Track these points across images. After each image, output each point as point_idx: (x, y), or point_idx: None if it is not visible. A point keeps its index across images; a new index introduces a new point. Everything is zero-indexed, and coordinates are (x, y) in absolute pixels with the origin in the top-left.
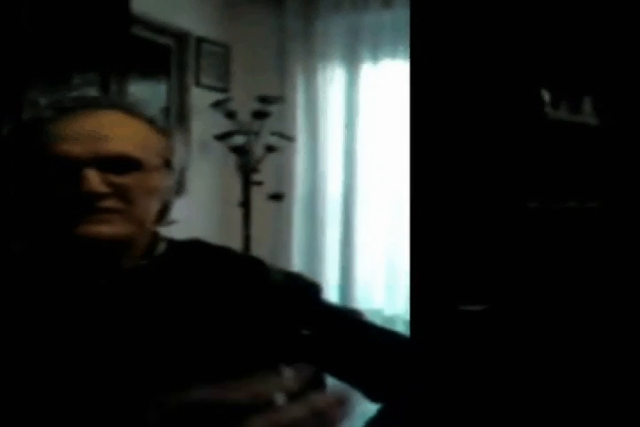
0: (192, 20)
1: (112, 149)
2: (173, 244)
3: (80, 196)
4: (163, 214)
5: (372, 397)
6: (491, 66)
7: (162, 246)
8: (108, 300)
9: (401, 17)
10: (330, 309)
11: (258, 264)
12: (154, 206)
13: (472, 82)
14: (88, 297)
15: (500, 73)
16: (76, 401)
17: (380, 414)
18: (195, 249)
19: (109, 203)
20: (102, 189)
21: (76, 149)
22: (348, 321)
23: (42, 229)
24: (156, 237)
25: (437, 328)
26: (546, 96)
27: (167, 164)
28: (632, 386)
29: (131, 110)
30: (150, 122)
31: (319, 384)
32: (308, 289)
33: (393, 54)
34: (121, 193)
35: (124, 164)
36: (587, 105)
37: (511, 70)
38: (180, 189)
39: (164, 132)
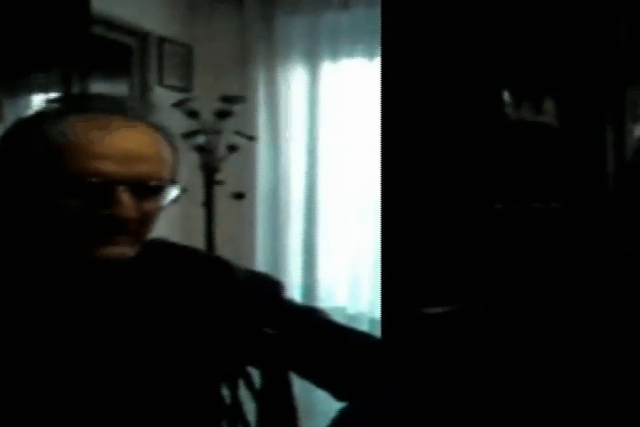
0: (153, 20)
1: (144, 171)
2: (143, 245)
3: (108, 218)
4: None
5: (338, 395)
6: (452, 67)
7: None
8: (85, 301)
9: (359, 17)
10: (294, 307)
11: (221, 263)
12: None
13: (434, 83)
14: (63, 299)
15: (461, 74)
16: (57, 398)
17: (345, 412)
18: (158, 249)
19: (133, 226)
20: (134, 214)
21: (109, 167)
22: (312, 320)
23: (41, 244)
24: None
25: (404, 329)
26: (507, 97)
27: (172, 180)
28: (601, 387)
29: (154, 124)
30: (167, 137)
31: (285, 384)
32: (272, 288)
33: (352, 53)
34: (144, 218)
35: (152, 187)
36: (548, 105)
37: (472, 71)
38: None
39: (175, 147)
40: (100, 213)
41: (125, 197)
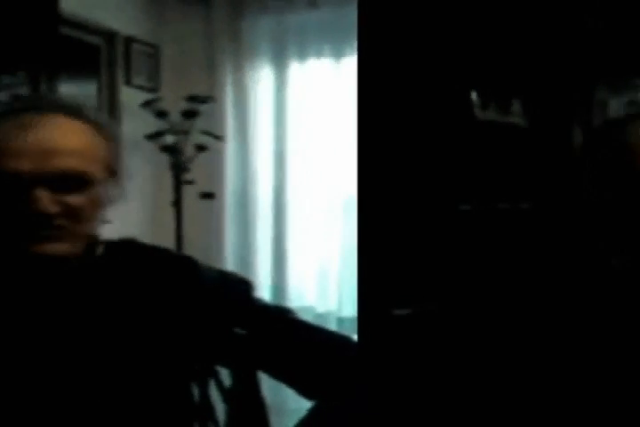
0: (121, 20)
1: (62, 166)
2: (106, 244)
3: (31, 215)
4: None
5: (307, 394)
6: (422, 69)
7: (101, 249)
8: (49, 303)
9: (326, 17)
10: (263, 307)
11: (190, 263)
12: (100, 218)
13: (404, 85)
14: (30, 300)
15: (430, 76)
16: (19, 402)
17: (314, 411)
18: (128, 249)
19: (60, 221)
20: (53, 209)
21: (24, 165)
22: (281, 319)
23: None
24: (94, 239)
25: (375, 329)
26: (475, 98)
27: (111, 171)
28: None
29: (75, 114)
30: (96, 126)
31: (255, 383)
32: (241, 287)
33: (319, 53)
34: (71, 213)
35: (73, 180)
36: (516, 106)
37: (441, 73)
38: (122, 194)
39: (111, 137)
40: (23, 210)
41: (41, 193)
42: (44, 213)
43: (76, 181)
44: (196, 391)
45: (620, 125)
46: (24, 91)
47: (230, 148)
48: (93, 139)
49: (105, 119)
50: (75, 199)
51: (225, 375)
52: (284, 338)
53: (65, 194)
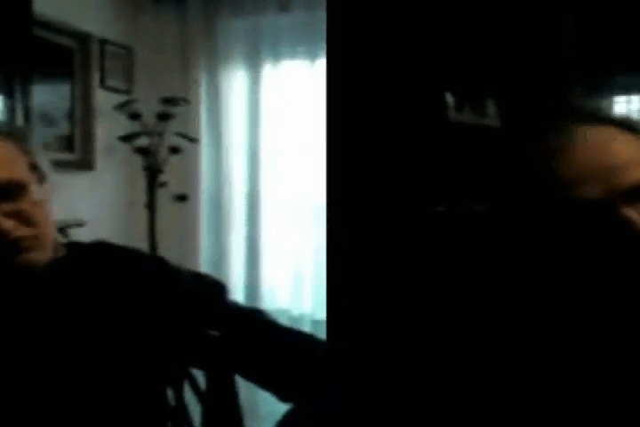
0: (95, 22)
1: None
2: (76, 246)
3: None
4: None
5: (282, 397)
6: (395, 70)
7: (61, 250)
8: (17, 310)
9: (299, 19)
10: (237, 309)
11: (164, 265)
12: (50, 216)
13: (378, 86)
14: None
15: (404, 77)
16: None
17: (289, 414)
18: (100, 251)
19: (21, 232)
20: (7, 224)
21: None
22: (256, 322)
23: None
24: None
25: (351, 329)
26: (449, 99)
27: (33, 167)
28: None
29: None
30: (17, 141)
31: (230, 386)
32: (215, 289)
33: (292, 55)
34: (23, 219)
35: (10, 190)
36: (490, 108)
37: (415, 74)
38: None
39: (19, 137)
40: None
41: None
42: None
43: (13, 190)
44: (170, 394)
45: (548, 130)
46: None
47: (204, 150)
48: (5, 142)
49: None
50: (18, 205)
51: (200, 378)
52: (259, 340)
53: (6, 203)
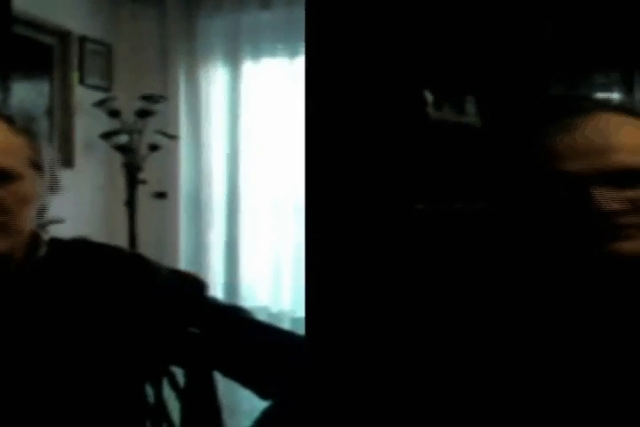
0: (74, 19)
1: None
2: (57, 244)
3: None
4: (40, 215)
5: (262, 394)
6: (374, 68)
7: (44, 248)
8: None
9: (279, 17)
10: (217, 306)
11: (144, 262)
12: (32, 213)
13: (357, 84)
14: None
15: (383, 75)
16: None
17: (269, 411)
18: (80, 248)
19: None
20: None
21: None
22: (235, 319)
23: None
24: (36, 239)
25: (329, 327)
26: (429, 97)
27: (35, 165)
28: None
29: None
30: (9, 122)
31: (209, 383)
32: (195, 287)
33: (272, 52)
34: (2, 208)
35: None
36: (469, 105)
37: (394, 72)
38: (54, 187)
39: (26, 131)
40: None
41: None
42: None
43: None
44: (149, 391)
45: (542, 125)
46: None
47: (184, 147)
48: (7, 133)
49: (21, 115)
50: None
51: (180, 375)
52: (239, 337)
53: None
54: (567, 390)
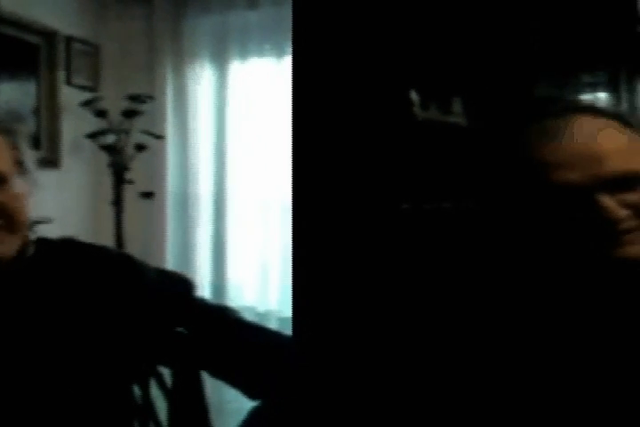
0: (61, 19)
1: None
2: (45, 244)
3: None
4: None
5: (250, 394)
6: (361, 68)
7: (31, 248)
8: None
9: (267, 17)
10: (205, 306)
11: (132, 262)
12: (26, 212)
13: (343, 84)
14: None
15: (369, 74)
16: None
17: (256, 411)
18: (67, 248)
19: None
20: None
21: None
22: (223, 318)
23: None
24: (24, 239)
25: (316, 327)
26: (415, 97)
27: (19, 165)
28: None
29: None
30: (4, 134)
31: (197, 383)
32: (183, 287)
33: (260, 52)
34: (2, 212)
35: None
36: (456, 105)
37: (381, 72)
38: (34, 186)
39: (7, 131)
40: None
41: None
42: None
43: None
44: (137, 391)
45: (523, 125)
46: None
47: (170, 147)
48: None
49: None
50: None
51: (167, 375)
52: (227, 337)
53: None
54: (571, 394)
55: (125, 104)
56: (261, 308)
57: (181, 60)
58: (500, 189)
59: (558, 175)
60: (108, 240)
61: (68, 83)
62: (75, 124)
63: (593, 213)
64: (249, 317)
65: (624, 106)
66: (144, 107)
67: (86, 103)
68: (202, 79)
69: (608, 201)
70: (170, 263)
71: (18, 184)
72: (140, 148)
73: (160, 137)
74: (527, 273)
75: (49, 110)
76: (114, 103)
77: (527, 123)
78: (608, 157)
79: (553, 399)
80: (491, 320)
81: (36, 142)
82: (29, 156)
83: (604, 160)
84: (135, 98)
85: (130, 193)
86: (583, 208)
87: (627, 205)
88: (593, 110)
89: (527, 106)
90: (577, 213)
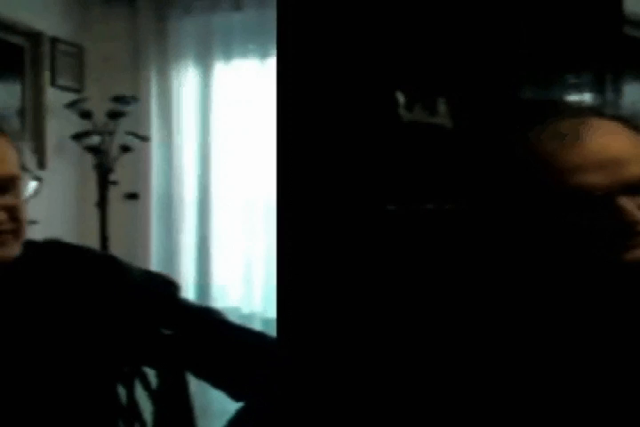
0: (46, 21)
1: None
2: (30, 245)
3: None
4: None
5: (234, 395)
6: (346, 69)
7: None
8: None
9: (251, 18)
10: (190, 307)
11: (116, 263)
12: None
13: (328, 85)
14: None
15: (355, 75)
16: None
17: (241, 412)
18: (53, 249)
19: (6, 226)
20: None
21: None
22: (208, 320)
23: None
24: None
25: (301, 328)
26: (400, 98)
27: (22, 167)
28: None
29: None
30: (8, 137)
31: (182, 384)
32: (168, 288)
33: (244, 54)
34: (11, 215)
35: (4, 184)
36: (441, 106)
37: (366, 73)
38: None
39: (13, 134)
40: None
41: None
42: None
43: (9, 185)
44: (122, 392)
45: (527, 127)
46: None
47: (155, 148)
48: (8, 145)
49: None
50: (7, 201)
51: (152, 376)
52: (212, 338)
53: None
54: (575, 394)
55: (110, 105)
56: (246, 309)
57: (166, 62)
58: (505, 191)
59: (580, 178)
60: (92, 241)
61: (53, 84)
62: (59, 126)
63: (610, 215)
64: (233, 318)
65: (609, 107)
66: (129, 108)
67: (71, 104)
68: (186, 80)
69: (629, 204)
70: (154, 264)
71: (24, 188)
72: (125, 149)
73: (145, 138)
74: (523, 273)
75: (34, 112)
76: (98, 104)
77: (532, 124)
78: (629, 160)
79: (556, 400)
80: (480, 321)
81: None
82: (31, 159)
83: (626, 163)
84: (120, 99)
85: (114, 194)
86: (600, 210)
87: None
88: (598, 113)
89: (529, 108)
90: (594, 215)
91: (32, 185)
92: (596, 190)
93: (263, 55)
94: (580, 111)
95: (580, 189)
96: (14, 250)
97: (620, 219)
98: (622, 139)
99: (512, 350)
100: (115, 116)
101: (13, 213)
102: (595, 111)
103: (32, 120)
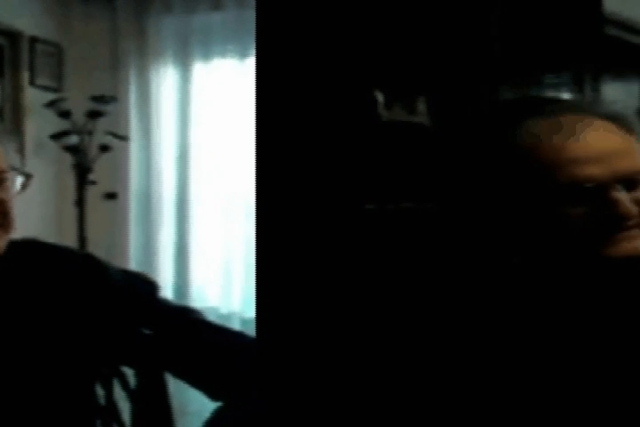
0: (25, 20)
1: None
2: (8, 244)
3: None
4: None
5: (212, 395)
6: (324, 68)
7: None
8: None
9: (230, 18)
10: (168, 307)
11: (95, 263)
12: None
13: (307, 84)
14: None
15: (333, 75)
16: None
17: (219, 412)
18: (30, 249)
19: None
20: None
21: None
22: (186, 320)
23: None
24: None
25: (280, 328)
26: (379, 97)
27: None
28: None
29: None
30: None
31: (160, 384)
32: (147, 287)
33: (223, 53)
34: (0, 209)
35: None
36: (421, 105)
37: (345, 72)
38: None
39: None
40: None
41: None
42: None
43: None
44: (100, 392)
45: (511, 125)
46: None
47: (134, 148)
48: None
49: None
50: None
51: (131, 376)
52: (190, 338)
53: None
54: (566, 392)
55: (89, 105)
56: (224, 309)
57: (145, 61)
58: (490, 188)
59: (574, 170)
60: (70, 241)
61: (32, 83)
62: (38, 125)
63: (603, 207)
64: (212, 318)
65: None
66: (108, 108)
67: (50, 104)
68: (165, 80)
69: (623, 196)
70: (133, 264)
71: (12, 182)
72: (104, 148)
73: (124, 138)
74: (504, 271)
75: (13, 111)
76: (77, 104)
77: (519, 121)
78: (622, 153)
79: (545, 397)
80: (458, 319)
81: None
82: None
83: (620, 156)
84: (99, 99)
85: (93, 194)
86: (593, 203)
87: (636, 202)
88: (585, 110)
89: (517, 104)
90: (586, 208)
91: (19, 180)
92: (589, 182)
93: (242, 55)
94: (564, 108)
95: (575, 182)
96: (1, 245)
97: (612, 211)
98: (613, 134)
99: (496, 347)
100: (94, 115)
101: (2, 208)
102: (582, 107)
103: (11, 120)
